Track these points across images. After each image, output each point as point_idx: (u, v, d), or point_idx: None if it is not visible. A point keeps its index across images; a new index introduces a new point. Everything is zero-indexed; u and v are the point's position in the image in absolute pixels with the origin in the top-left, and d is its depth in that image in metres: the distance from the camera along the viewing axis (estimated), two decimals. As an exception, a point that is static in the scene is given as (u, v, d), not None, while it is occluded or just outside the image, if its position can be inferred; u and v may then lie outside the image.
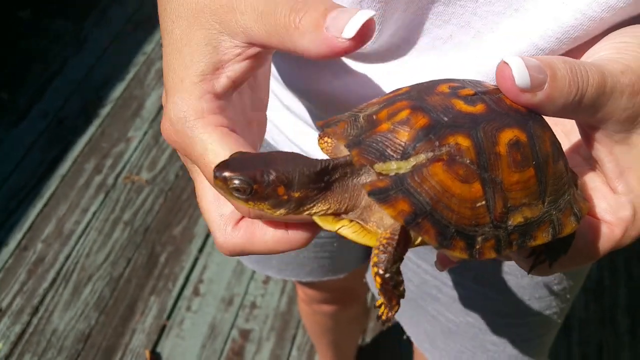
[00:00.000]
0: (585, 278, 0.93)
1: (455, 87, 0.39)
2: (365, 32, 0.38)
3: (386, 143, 0.37)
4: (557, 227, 0.39)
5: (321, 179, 0.38)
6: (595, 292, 2.11)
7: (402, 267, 0.97)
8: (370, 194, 0.36)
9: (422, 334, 1.00)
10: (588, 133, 0.44)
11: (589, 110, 0.40)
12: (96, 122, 2.58)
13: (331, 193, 0.39)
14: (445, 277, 0.88)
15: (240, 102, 0.49)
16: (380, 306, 0.40)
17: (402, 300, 1.10)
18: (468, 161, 0.36)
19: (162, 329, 2.00)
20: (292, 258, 1.06)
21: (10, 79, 2.73)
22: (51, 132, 2.54)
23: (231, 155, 0.39)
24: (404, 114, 0.37)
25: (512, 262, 0.82)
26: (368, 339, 1.98)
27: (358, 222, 0.39)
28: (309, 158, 0.39)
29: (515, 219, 0.38)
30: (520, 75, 0.38)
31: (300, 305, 1.51)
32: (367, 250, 1.10)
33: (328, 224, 0.40)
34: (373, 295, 2.01)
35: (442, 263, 0.55)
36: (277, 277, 1.13)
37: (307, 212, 0.39)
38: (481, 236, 0.37)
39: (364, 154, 0.37)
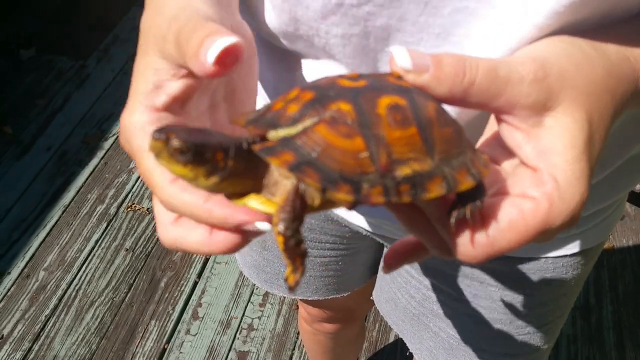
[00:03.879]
0: (577, 294, 0.95)
1: (344, 74, 0.43)
2: (223, 59, 0.41)
3: (278, 116, 0.40)
4: (450, 182, 0.40)
5: (247, 154, 0.40)
6: (582, 310, 2.18)
7: (405, 284, 1.00)
8: (259, 152, 0.39)
9: (425, 350, 1.01)
10: (503, 121, 0.45)
11: (485, 96, 0.42)
12: (99, 154, 2.67)
13: (251, 172, 0.41)
14: (445, 293, 0.90)
15: (213, 115, 0.53)
16: (288, 277, 0.41)
17: (405, 317, 1.09)
18: (350, 121, 0.38)
19: (162, 353, 2.04)
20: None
21: (14, 115, 2.82)
22: (54, 165, 2.62)
23: (166, 124, 0.40)
24: (294, 94, 0.41)
25: (510, 279, 0.85)
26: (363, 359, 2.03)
27: (265, 196, 0.42)
28: (235, 136, 0.42)
29: (403, 171, 0.39)
30: (401, 58, 0.41)
31: (301, 325, 1.53)
32: (370, 269, 1.15)
33: (239, 201, 0.42)
34: (375, 317, 2.06)
35: (386, 262, 0.52)
36: (285, 295, 1.16)
37: (232, 188, 0.41)
38: (367, 182, 0.38)
39: (258, 125, 0.41)
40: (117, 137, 2.71)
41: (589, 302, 2.20)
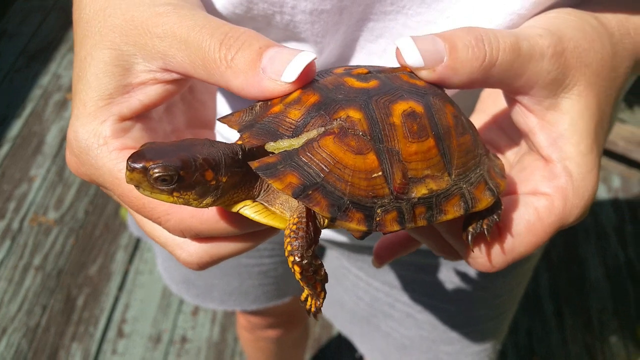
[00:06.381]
0: (529, 280, 0.95)
1: (350, 68, 0.40)
2: (306, 75, 0.36)
3: (278, 123, 0.36)
4: (469, 200, 0.38)
5: (243, 162, 0.37)
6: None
7: (352, 287, 0.95)
8: (257, 169, 0.35)
9: (376, 350, 0.98)
10: (516, 102, 0.42)
11: (508, 76, 0.39)
12: (-7, 164, 2.42)
13: (247, 178, 0.38)
14: (397, 293, 0.87)
15: (169, 118, 0.46)
16: (305, 300, 0.38)
17: (353, 319, 1.06)
18: (360, 133, 0.35)
19: (88, 377, 1.87)
20: (235, 288, 1.02)
21: None
22: (-57, 180, 2.35)
23: (142, 146, 0.35)
24: (295, 95, 0.37)
25: (465, 272, 0.83)
26: (308, 357, 1.92)
27: (262, 204, 0.38)
28: (226, 143, 0.37)
29: (419, 191, 0.36)
30: (411, 57, 0.37)
31: (241, 333, 1.45)
32: None
33: (230, 207, 0.38)
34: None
35: (377, 258, 0.51)
36: (220, 308, 1.09)
37: (230, 202, 0.38)
38: (381, 208, 0.36)
39: (254, 135, 0.37)
40: (13, 143, 2.47)
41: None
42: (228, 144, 0.37)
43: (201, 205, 0.36)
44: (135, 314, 2.01)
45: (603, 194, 2.35)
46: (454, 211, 0.38)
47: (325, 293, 0.38)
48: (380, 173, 0.35)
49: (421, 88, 0.38)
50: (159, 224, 0.40)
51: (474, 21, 0.50)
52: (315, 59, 0.37)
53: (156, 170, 0.33)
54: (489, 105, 0.51)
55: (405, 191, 0.36)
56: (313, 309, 0.38)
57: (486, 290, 0.85)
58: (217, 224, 0.39)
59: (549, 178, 0.42)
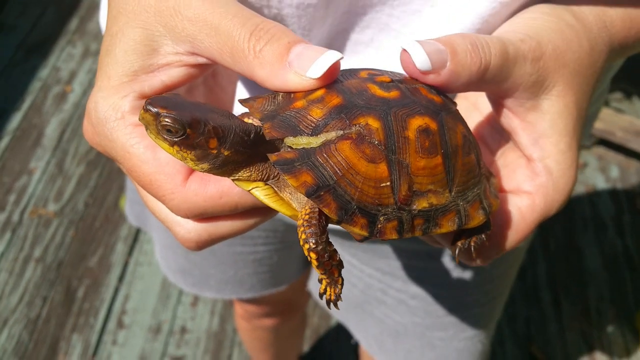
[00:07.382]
0: (520, 264, 0.96)
1: (374, 73, 0.41)
2: (331, 73, 0.37)
3: (299, 118, 0.38)
4: (463, 217, 0.40)
5: (251, 144, 0.38)
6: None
7: (346, 273, 0.97)
8: (275, 163, 0.37)
9: (370, 337, 0.99)
10: (500, 104, 0.44)
11: (497, 80, 0.41)
12: (-7, 157, 2.43)
13: (255, 160, 0.39)
14: (390, 279, 0.88)
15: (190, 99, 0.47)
16: (324, 292, 0.40)
17: (348, 306, 1.09)
18: (376, 142, 0.37)
19: (89, 368, 1.88)
20: (231, 276, 1.03)
21: None
22: (-57, 173, 2.36)
23: (168, 93, 0.37)
24: (319, 93, 0.38)
25: (454, 262, 0.83)
26: (306, 348, 1.94)
27: (272, 187, 0.40)
28: (243, 121, 0.39)
29: (420, 204, 0.39)
30: (420, 59, 0.38)
31: (238, 323, 1.45)
32: (306, 260, 1.08)
33: (242, 184, 0.40)
34: (315, 303, 1.97)
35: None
36: (217, 297, 1.10)
37: (228, 174, 0.39)
38: (384, 216, 0.38)
39: (275, 127, 0.38)
40: (12, 136, 2.48)
41: (522, 262, 2.17)
42: (245, 122, 0.38)
43: (197, 167, 0.38)
44: (135, 305, 2.02)
45: (601, 184, 2.35)
46: (448, 226, 0.40)
47: (343, 280, 0.40)
48: (388, 183, 0.37)
49: (438, 104, 0.40)
50: (163, 202, 0.42)
51: (460, 9, 0.51)
52: (341, 58, 0.38)
53: (166, 120, 0.35)
54: (471, 92, 0.52)
55: (408, 203, 0.38)
56: (333, 297, 0.40)
57: (478, 275, 0.86)
58: (220, 200, 0.41)
59: (531, 177, 0.44)
